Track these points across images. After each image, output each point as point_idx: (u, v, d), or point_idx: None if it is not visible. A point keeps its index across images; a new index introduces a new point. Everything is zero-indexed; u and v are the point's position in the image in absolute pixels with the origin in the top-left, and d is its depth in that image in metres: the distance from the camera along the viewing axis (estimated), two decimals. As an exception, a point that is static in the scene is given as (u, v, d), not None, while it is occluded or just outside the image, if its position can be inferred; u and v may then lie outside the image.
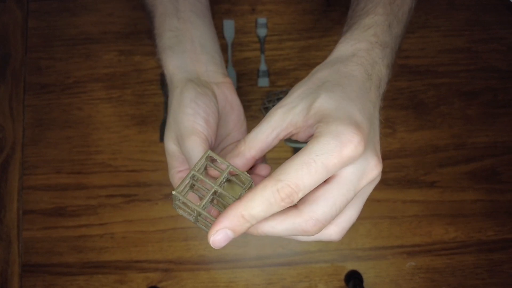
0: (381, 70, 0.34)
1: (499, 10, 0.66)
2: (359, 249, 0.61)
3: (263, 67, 0.64)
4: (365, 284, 0.60)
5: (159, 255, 0.61)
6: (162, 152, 0.62)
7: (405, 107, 0.64)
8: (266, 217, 0.26)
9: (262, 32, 0.65)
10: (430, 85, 0.64)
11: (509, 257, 0.61)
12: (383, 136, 0.63)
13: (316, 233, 0.27)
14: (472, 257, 0.61)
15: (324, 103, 0.29)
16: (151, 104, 0.64)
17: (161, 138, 0.63)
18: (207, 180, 0.29)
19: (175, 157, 0.37)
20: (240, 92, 0.64)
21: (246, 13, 0.66)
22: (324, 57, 0.67)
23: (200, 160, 0.30)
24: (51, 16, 0.67)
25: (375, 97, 0.32)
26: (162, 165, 0.62)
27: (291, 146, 0.61)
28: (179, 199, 0.29)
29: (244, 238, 0.61)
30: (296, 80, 0.63)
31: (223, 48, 0.65)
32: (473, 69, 0.65)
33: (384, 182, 0.62)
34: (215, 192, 0.29)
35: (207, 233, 0.27)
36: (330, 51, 0.61)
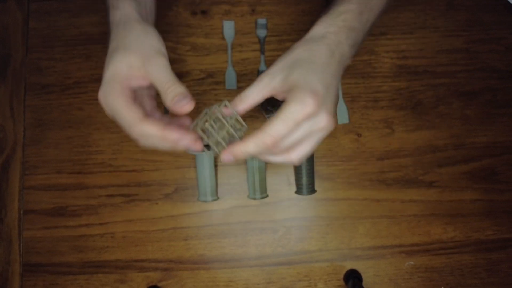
0: (344, 49, 0.44)
1: (498, 10, 0.67)
2: (358, 249, 0.61)
3: (263, 67, 0.64)
4: (364, 283, 0.60)
5: (159, 255, 0.61)
6: (163, 152, 0.63)
7: (404, 107, 0.64)
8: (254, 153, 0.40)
9: (262, 32, 0.66)
10: (429, 85, 0.64)
11: (508, 256, 0.61)
12: (382, 136, 0.63)
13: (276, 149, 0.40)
14: (470, 256, 0.61)
15: (295, 76, 0.41)
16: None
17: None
18: (223, 120, 0.42)
19: (119, 94, 0.41)
20: (240, 92, 0.64)
21: (246, 14, 0.66)
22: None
23: (217, 105, 0.42)
24: (51, 17, 0.67)
25: (335, 70, 0.43)
26: (162, 165, 0.63)
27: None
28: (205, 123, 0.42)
29: (244, 238, 0.61)
30: (296, 81, 0.64)
31: (223, 48, 0.65)
32: (471, 69, 0.65)
33: (383, 182, 0.62)
34: (226, 131, 0.43)
35: (215, 152, 0.43)
36: None
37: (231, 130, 0.42)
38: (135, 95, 0.43)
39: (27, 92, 0.65)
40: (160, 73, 0.41)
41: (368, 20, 0.46)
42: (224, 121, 0.42)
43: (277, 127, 0.39)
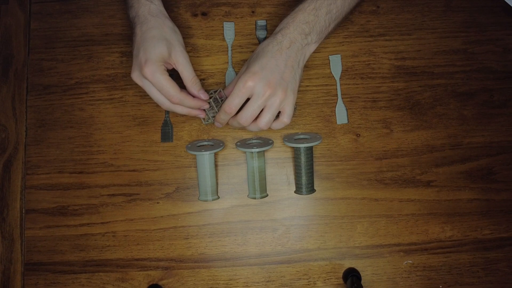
0: (295, 37, 0.57)
1: (495, 11, 0.67)
2: (356, 247, 0.62)
3: (262, 68, 0.65)
4: (362, 281, 0.60)
5: (160, 253, 0.62)
6: (163, 152, 0.63)
7: (402, 107, 0.64)
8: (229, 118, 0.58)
9: (261, 34, 0.66)
10: (426, 86, 0.65)
11: (505, 255, 0.62)
12: (380, 136, 0.64)
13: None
14: (468, 255, 0.62)
15: (248, 65, 0.57)
16: (153, 105, 0.64)
17: (162, 139, 0.64)
18: (219, 100, 0.61)
19: (164, 72, 0.56)
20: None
21: (246, 15, 0.67)
22: (321, 58, 0.68)
23: (213, 90, 0.62)
24: (53, 18, 0.67)
25: (283, 54, 0.56)
26: (163, 165, 0.63)
27: (290, 146, 0.62)
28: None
29: (244, 236, 0.62)
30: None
31: (224, 49, 0.66)
32: (469, 70, 0.66)
33: (381, 182, 0.63)
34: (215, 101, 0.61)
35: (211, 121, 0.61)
36: (328, 52, 0.64)
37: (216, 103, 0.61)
38: None
39: (29, 93, 0.65)
40: (188, 67, 0.57)
41: (327, 12, 0.58)
42: (220, 101, 0.61)
43: (230, 99, 0.55)
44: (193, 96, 0.59)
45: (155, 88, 0.56)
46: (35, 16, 0.68)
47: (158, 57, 0.55)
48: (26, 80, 0.66)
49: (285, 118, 0.57)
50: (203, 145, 0.62)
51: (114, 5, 0.67)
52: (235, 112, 0.56)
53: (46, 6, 0.68)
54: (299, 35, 0.57)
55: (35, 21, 0.67)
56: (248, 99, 0.56)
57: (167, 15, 0.59)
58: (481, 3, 0.67)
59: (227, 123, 0.60)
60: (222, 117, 0.58)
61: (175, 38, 0.57)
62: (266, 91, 0.54)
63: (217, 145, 0.61)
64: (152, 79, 0.55)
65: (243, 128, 0.60)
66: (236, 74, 0.65)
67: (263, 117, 0.56)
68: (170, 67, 0.58)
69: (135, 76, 0.56)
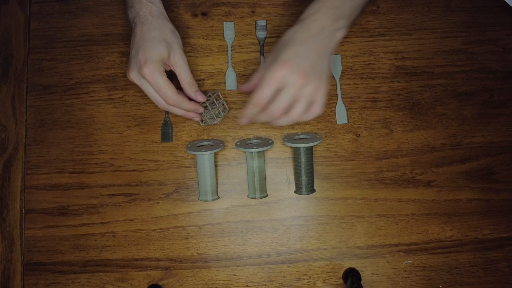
0: (323, 23, 0.54)
1: (495, 11, 0.67)
2: (356, 247, 0.62)
3: (262, 68, 0.65)
4: (362, 281, 0.60)
5: (160, 253, 0.62)
6: (163, 152, 0.63)
7: (402, 107, 0.64)
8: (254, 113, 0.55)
9: (261, 34, 0.66)
10: (426, 86, 0.65)
11: (505, 255, 0.62)
12: (380, 136, 0.64)
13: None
14: (468, 255, 0.62)
15: (277, 53, 0.54)
16: (152, 105, 0.64)
17: (162, 139, 0.64)
18: (216, 103, 0.62)
19: (162, 73, 0.56)
20: (240, 93, 0.65)
21: (246, 15, 0.67)
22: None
23: (212, 92, 0.63)
24: (53, 18, 0.67)
25: (312, 41, 0.53)
26: (163, 165, 0.63)
27: (290, 146, 0.62)
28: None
29: (244, 236, 0.62)
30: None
31: (224, 49, 0.66)
32: (468, 70, 0.66)
33: (381, 182, 0.63)
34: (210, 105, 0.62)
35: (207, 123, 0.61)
36: None
37: (220, 110, 0.63)
38: None
39: (29, 93, 0.65)
40: (185, 69, 0.58)
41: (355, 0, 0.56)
42: (217, 103, 0.62)
43: (259, 91, 0.53)
44: (190, 99, 0.59)
45: (153, 88, 0.57)
46: (35, 16, 0.68)
47: (158, 57, 0.55)
48: (26, 80, 0.66)
49: (318, 109, 0.54)
50: (203, 145, 0.62)
51: (114, 5, 0.67)
52: (264, 104, 0.53)
53: (46, 6, 0.68)
54: (328, 20, 0.54)
55: (35, 21, 0.67)
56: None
57: (167, 17, 0.59)
58: (481, 3, 0.67)
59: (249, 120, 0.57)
60: (251, 111, 0.54)
61: (175, 41, 0.58)
62: (299, 80, 0.51)
63: (217, 145, 0.61)
64: (150, 79, 0.55)
65: (267, 123, 0.58)
66: (236, 75, 0.65)
67: (296, 109, 0.53)
68: (168, 69, 0.58)
69: (133, 75, 0.56)
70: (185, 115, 0.60)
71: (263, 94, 0.52)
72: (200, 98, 0.59)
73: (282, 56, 0.52)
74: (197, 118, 0.61)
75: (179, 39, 0.59)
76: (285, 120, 0.54)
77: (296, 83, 0.52)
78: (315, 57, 0.53)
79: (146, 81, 0.56)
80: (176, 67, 0.57)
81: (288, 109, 0.53)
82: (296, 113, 0.53)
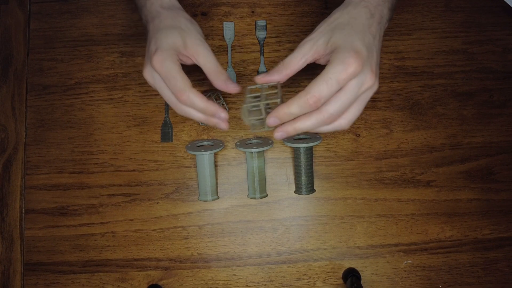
0: (383, 11, 0.45)
1: (495, 11, 0.67)
2: (356, 247, 0.62)
3: (262, 68, 0.65)
4: (362, 281, 0.60)
5: (160, 254, 0.62)
6: (163, 152, 0.63)
7: (401, 107, 0.65)
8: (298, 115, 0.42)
9: (261, 34, 0.66)
10: (426, 86, 0.65)
11: (504, 255, 0.62)
12: (380, 136, 0.64)
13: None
14: (467, 255, 0.62)
15: (337, 38, 0.42)
16: (152, 105, 0.64)
17: (162, 139, 0.64)
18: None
19: (175, 61, 0.45)
20: (240, 92, 0.65)
21: (245, 15, 0.67)
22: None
23: (212, 92, 0.51)
24: (53, 18, 0.67)
25: (375, 30, 0.44)
26: (163, 165, 0.63)
27: (290, 146, 0.62)
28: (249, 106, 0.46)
29: (243, 237, 0.62)
30: (295, 82, 0.64)
31: (223, 49, 0.66)
32: (468, 70, 0.66)
33: (381, 182, 0.63)
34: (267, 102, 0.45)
35: (261, 128, 0.46)
36: None
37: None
38: None
39: (29, 93, 0.65)
40: (210, 58, 0.47)
41: None
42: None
43: (320, 87, 0.40)
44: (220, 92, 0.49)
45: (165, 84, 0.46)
46: (34, 16, 0.67)
47: (170, 45, 0.46)
48: (26, 80, 0.66)
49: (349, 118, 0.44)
50: (203, 145, 0.62)
51: (113, 5, 0.67)
52: (317, 104, 0.41)
53: (46, 6, 0.68)
54: (387, 9, 0.46)
55: (34, 21, 0.67)
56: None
57: (181, 7, 0.51)
58: (481, 3, 0.67)
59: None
60: (294, 108, 0.41)
61: (192, 28, 0.48)
62: (370, 80, 0.41)
63: (216, 145, 0.61)
64: (160, 68, 0.45)
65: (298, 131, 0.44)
66: (236, 75, 0.65)
67: (352, 113, 0.43)
68: (189, 62, 0.48)
69: (146, 73, 0.47)
70: (207, 122, 0.47)
71: (324, 91, 0.40)
72: (232, 88, 0.47)
73: (354, 43, 0.41)
74: (224, 126, 0.47)
75: (197, 27, 0.50)
76: (329, 128, 0.44)
77: (366, 83, 0.41)
78: (378, 50, 0.44)
79: (158, 74, 0.46)
80: (198, 55, 0.47)
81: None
82: (352, 118, 0.43)
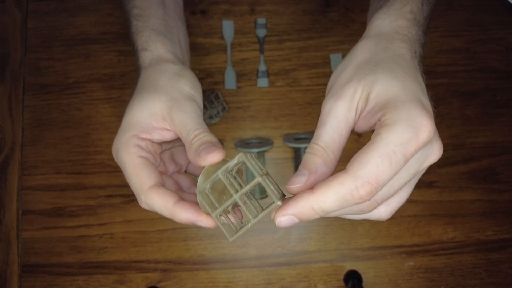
0: (417, 48, 0.33)
1: (498, 10, 0.67)
2: (358, 249, 0.61)
3: (262, 67, 0.64)
4: (364, 284, 0.60)
5: (159, 255, 0.61)
6: (162, 152, 0.63)
7: (404, 107, 0.64)
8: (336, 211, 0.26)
9: (261, 32, 0.65)
10: (429, 85, 0.64)
11: (508, 256, 0.61)
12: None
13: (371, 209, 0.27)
14: (470, 257, 0.61)
15: (386, 85, 0.27)
16: (151, 105, 0.64)
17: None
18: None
19: (132, 152, 0.34)
20: (240, 92, 0.64)
21: (245, 13, 0.66)
22: (323, 57, 0.67)
23: (232, 161, 0.30)
24: (50, 17, 0.67)
25: (420, 76, 0.31)
26: (161, 165, 0.63)
27: (290, 147, 0.61)
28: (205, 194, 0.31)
29: (243, 238, 0.61)
30: (296, 81, 0.64)
31: (223, 48, 0.65)
32: (471, 69, 0.65)
33: (383, 182, 0.62)
34: (236, 201, 0.30)
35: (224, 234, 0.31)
36: (329, 51, 0.62)
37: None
38: (160, 150, 0.37)
39: (26, 92, 0.65)
40: (186, 120, 0.34)
41: (427, 16, 0.36)
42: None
43: (379, 167, 0.25)
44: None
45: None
46: (31, 15, 0.67)
47: (130, 123, 0.35)
48: (23, 79, 0.65)
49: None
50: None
51: (111, 3, 0.67)
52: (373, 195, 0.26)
53: (43, 5, 0.67)
54: (420, 47, 0.34)
55: (32, 20, 0.67)
56: None
57: (172, 59, 0.40)
58: (483, 2, 0.67)
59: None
60: (329, 203, 0.26)
61: (178, 88, 0.36)
62: (437, 151, 0.28)
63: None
64: (115, 158, 0.35)
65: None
66: (236, 74, 0.64)
67: (398, 200, 0.30)
68: (168, 137, 0.36)
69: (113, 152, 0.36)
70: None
71: (386, 173, 0.25)
72: (210, 156, 0.33)
73: (419, 95, 0.28)
74: (206, 224, 0.34)
75: (186, 80, 0.37)
76: (360, 217, 0.30)
77: (433, 155, 0.28)
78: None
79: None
80: (175, 126, 0.35)
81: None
82: (401, 202, 0.30)
